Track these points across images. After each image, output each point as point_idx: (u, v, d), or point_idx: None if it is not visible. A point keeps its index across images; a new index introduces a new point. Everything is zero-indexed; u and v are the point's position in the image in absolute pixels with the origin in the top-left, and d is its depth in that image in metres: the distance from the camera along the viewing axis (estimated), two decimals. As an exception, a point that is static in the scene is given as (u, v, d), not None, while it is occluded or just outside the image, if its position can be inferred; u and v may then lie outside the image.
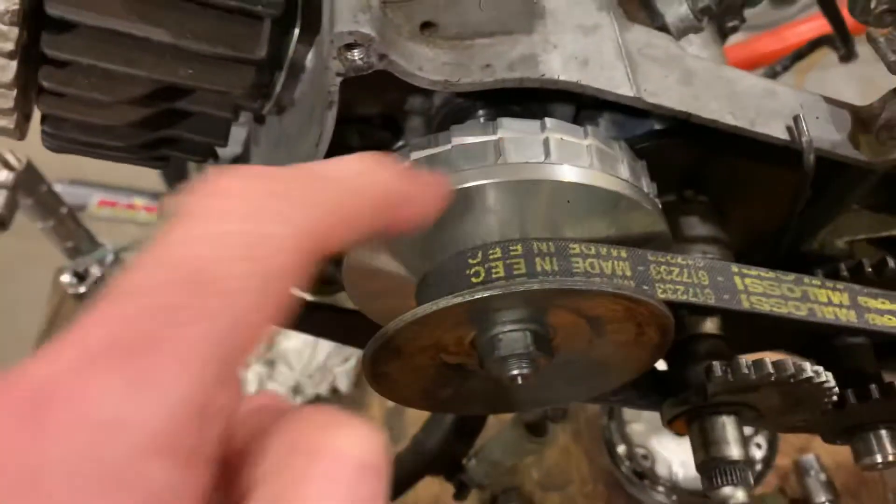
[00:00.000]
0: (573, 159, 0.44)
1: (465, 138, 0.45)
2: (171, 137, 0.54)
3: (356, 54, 0.42)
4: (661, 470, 0.97)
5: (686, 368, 0.53)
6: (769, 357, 0.48)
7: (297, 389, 1.12)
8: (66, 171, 2.12)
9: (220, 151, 1.24)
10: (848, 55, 1.00)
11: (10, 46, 0.42)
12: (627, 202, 0.45)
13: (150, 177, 2.42)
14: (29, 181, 1.06)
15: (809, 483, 1.03)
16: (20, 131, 0.50)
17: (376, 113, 0.56)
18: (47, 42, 0.44)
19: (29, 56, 0.45)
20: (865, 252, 0.65)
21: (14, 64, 0.44)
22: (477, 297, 0.41)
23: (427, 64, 0.44)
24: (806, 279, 0.52)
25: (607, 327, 0.47)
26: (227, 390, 0.22)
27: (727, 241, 0.58)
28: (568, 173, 0.43)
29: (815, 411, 0.53)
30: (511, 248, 0.45)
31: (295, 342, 1.13)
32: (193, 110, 0.52)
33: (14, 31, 0.42)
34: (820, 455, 1.06)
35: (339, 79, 0.43)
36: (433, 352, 0.48)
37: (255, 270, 0.23)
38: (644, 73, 0.48)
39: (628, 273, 0.46)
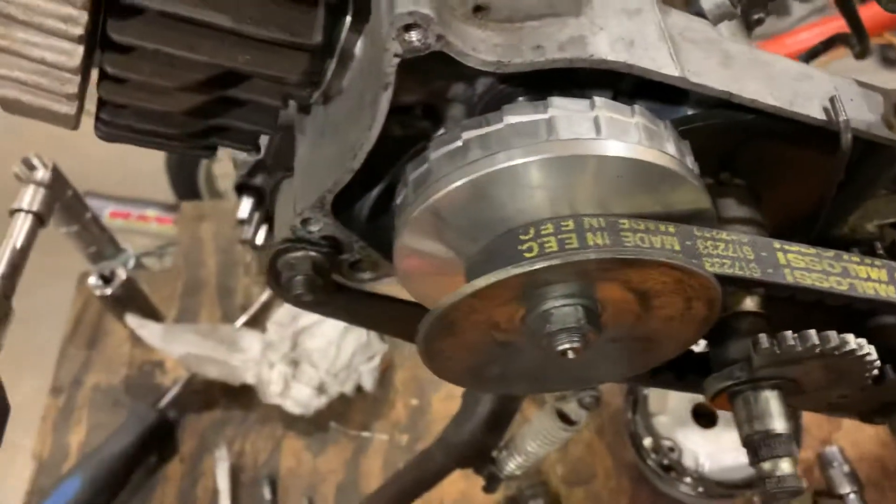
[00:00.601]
0: (623, 136, 0.45)
1: (517, 117, 0.46)
2: (222, 126, 0.56)
3: (414, 35, 0.43)
4: (687, 462, 0.98)
5: (728, 345, 0.54)
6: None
7: (321, 389, 1.13)
8: (78, 183, 2.13)
9: (241, 157, 1.25)
10: (863, 52, 1.01)
11: (79, 31, 0.44)
12: (675, 178, 0.47)
13: (161, 188, 2.45)
14: (56, 185, 1.07)
15: (833, 475, 1.04)
16: (77, 119, 0.52)
17: (418, 102, 0.57)
18: (114, 27, 0.45)
19: (87, 43, 0.46)
20: (893, 237, 0.66)
21: (81, 49, 0.45)
22: (536, 266, 0.42)
23: (480, 45, 0.45)
24: (845, 255, 0.53)
25: (655, 302, 0.48)
26: None
27: (763, 223, 0.59)
28: (619, 149, 0.45)
29: (855, 386, 0.54)
30: (563, 223, 0.46)
31: (319, 341, 1.14)
32: (244, 98, 0.53)
33: (84, 16, 0.43)
34: (843, 447, 1.07)
35: (397, 60, 0.44)
36: (485, 328, 0.49)
37: None
38: (686, 55, 0.49)
39: (677, 247, 0.47)
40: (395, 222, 0.53)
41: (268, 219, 1.31)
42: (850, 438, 1.08)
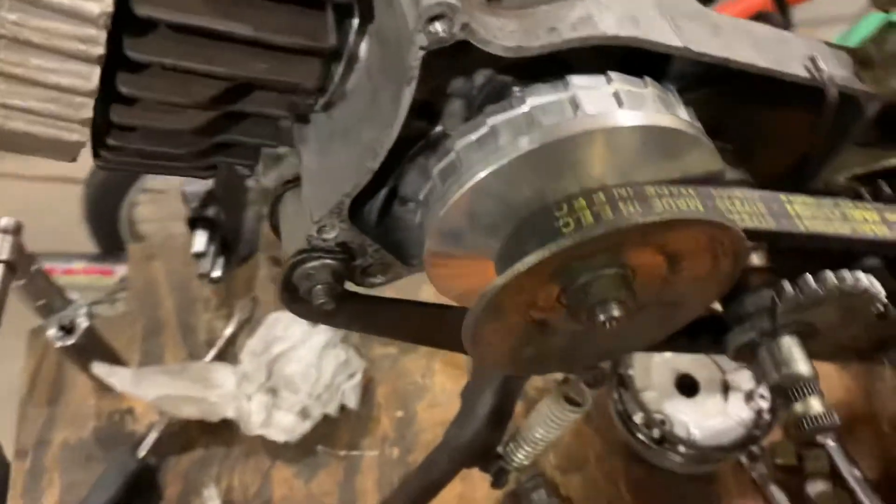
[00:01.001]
0: (642, 106, 0.47)
1: (540, 98, 0.47)
2: (227, 142, 0.55)
3: (439, 26, 0.44)
4: (679, 432, 1.01)
5: (743, 300, 0.57)
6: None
7: (304, 413, 1.11)
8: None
9: (191, 190, 1.23)
10: (786, 25, 1.08)
11: (99, 51, 0.43)
12: (692, 141, 0.49)
13: (83, 241, 2.36)
14: (1, 238, 1.02)
15: (811, 426, 1.09)
16: (81, 148, 0.50)
17: (416, 101, 0.58)
18: (130, 44, 0.44)
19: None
20: (859, 187, 0.71)
21: (98, 70, 0.44)
22: (591, 235, 0.44)
23: (499, 32, 0.47)
24: (840, 202, 0.57)
25: (684, 263, 0.50)
26: None
27: (753, 184, 0.62)
28: (643, 118, 0.47)
29: (863, 323, 0.58)
30: (594, 195, 0.47)
31: (297, 366, 1.12)
32: (250, 111, 0.53)
33: (103, 35, 0.43)
34: (815, 399, 1.13)
35: (422, 53, 0.45)
36: (525, 309, 0.50)
37: None
38: (683, 28, 0.52)
39: (700, 208, 0.49)
40: (420, 216, 0.53)
41: (223, 249, 1.29)
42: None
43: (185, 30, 0.45)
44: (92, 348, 1.12)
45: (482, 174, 0.47)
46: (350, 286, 0.63)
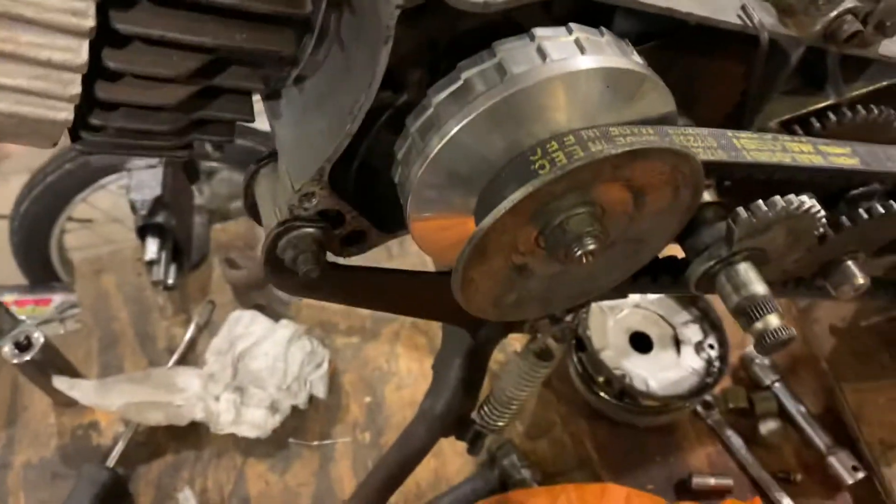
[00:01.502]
0: (602, 51, 0.51)
1: (510, 50, 0.51)
2: (204, 119, 0.57)
3: (414, -16, 0.47)
4: (638, 385, 1.06)
5: (701, 233, 0.62)
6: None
7: (273, 407, 1.11)
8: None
9: (141, 196, 1.22)
10: None
11: (89, 23, 0.44)
12: (648, 82, 0.53)
13: (12, 273, 2.29)
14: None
15: (756, 370, 1.16)
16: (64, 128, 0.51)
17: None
18: (118, 18, 0.46)
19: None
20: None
21: (86, 44, 0.45)
22: (570, 168, 0.47)
23: (467, -10, 0.50)
24: (779, 136, 0.62)
25: (648, 197, 0.54)
26: None
27: (698, 129, 0.67)
28: (606, 61, 0.50)
29: (805, 245, 0.63)
30: (565, 139, 0.51)
31: (263, 361, 1.13)
32: (227, 86, 0.55)
33: (92, 7, 0.44)
34: (758, 346, 1.20)
35: (398, 11, 0.48)
36: (508, 251, 0.53)
37: None
38: (628, -18, 0.56)
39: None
40: (399, 175, 0.56)
41: (176, 255, 1.28)
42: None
43: (168, 2, 0.47)
44: (50, 363, 1.10)
45: (460, 125, 0.50)
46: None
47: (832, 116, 0.67)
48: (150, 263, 1.22)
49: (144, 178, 1.22)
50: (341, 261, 0.66)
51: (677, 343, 1.12)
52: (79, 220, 2.27)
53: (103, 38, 0.47)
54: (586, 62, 0.50)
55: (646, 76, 0.53)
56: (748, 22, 0.61)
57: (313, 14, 0.54)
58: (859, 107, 0.68)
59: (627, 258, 0.61)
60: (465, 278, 0.53)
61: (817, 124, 0.67)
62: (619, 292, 0.72)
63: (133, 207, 1.21)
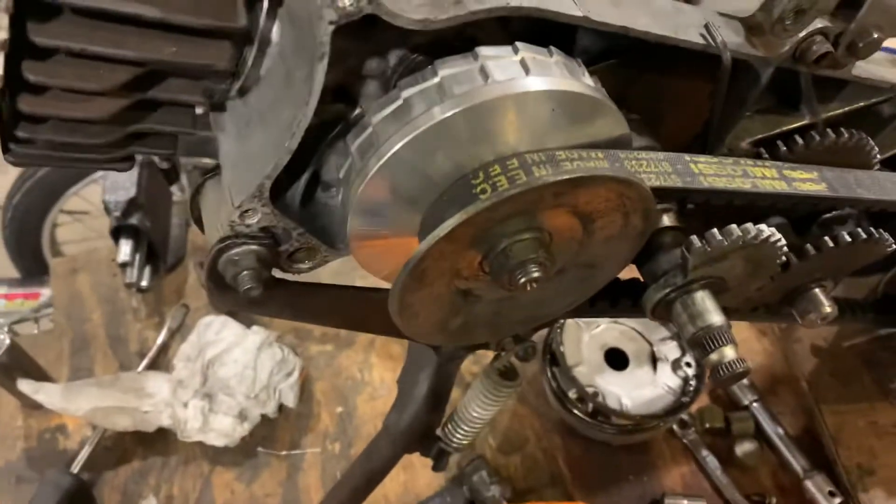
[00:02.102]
0: (548, 72, 0.49)
1: (451, 69, 0.49)
2: (142, 132, 0.55)
3: (346, 0, 0.45)
4: (611, 403, 1.04)
5: (658, 259, 0.60)
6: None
7: (242, 415, 1.10)
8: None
9: (115, 197, 1.21)
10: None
11: (2, 35, 0.42)
12: (598, 105, 0.51)
13: (2, 264, 2.28)
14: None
15: (735, 389, 1.15)
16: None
17: (332, 84, 0.58)
18: (35, 30, 0.44)
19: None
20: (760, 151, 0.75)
21: (1, 56, 0.44)
22: (505, 196, 0.45)
23: (406, 5, 0.48)
24: (741, 160, 0.60)
25: (597, 223, 0.52)
26: None
27: (661, 149, 0.65)
28: (549, 83, 0.48)
29: (768, 274, 0.61)
30: (508, 162, 0.49)
31: (232, 368, 1.11)
32: (164, 99, 0.53)
33: (5, 20, 0.42)
34: (738, 364, 1.18)
35: (332, 28, 0.46)
36: (449, 277, 0.52)
37: None
38: (584, 0, 0.54)
39: (612, 168, 0.52)
40: (342, 195, 0.54)
41: (150, 257, 1.27)
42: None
43: (91, 13, 0.45)
44: (17, 366, 1.09)
45: (398, 145, 0.48)
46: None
47: (799, 140, 0.65)
48: (124, 266, 1.20)
49: (119, 179, 1.20)
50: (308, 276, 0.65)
51: (654, 360, 1.09)
52: (73, 212, 2.26)
53: (23, 49, 0.45)
54: (530, 84, 0.48)
55: (595, 99, 0.51)
56: (710, 41, 0.59)
57: (252, 26, 0.52)
58: (829, 130, 0.66)
59: (580, 283, 0.59)
60: (402, 304, 0.51)
61: (783, 148, 0.65)
62: (576, 316, 0.70)
63: (106, 209, 1.19)
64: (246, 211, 0.56)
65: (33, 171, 2.04)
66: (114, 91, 0.49)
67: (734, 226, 0.55)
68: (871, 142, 0.69)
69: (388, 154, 0.49)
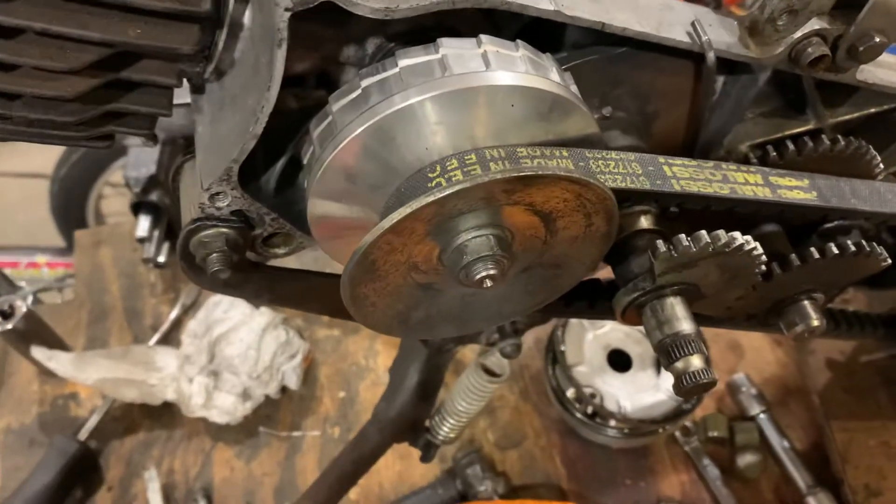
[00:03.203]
0: (510, 67, 0.48)
1: (411, 60, 0.48)
2: (118, 111, 0.56)
3: (302, -12, 0.45)
4: (610, 406, 1.02)
5: (630, 262, 0.58)
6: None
7: (245, 395, 1.12)
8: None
9: (135, 173, 1.23)
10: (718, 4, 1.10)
11: (-37, 14, 0.43)
12: (564, 103, 0.50)
13: (49, 235, 2.36)
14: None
15: (742, 399, 1.12)
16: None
17: (311, 70, 0.59)
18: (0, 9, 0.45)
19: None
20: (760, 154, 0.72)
21: (-34, 35, 0.45)
22: (447, 193, 0.45)
23: (367, -6, 0.47)
24: (723, 164, 0.58)
25: (559, 223, 0.51)
26: None
27: (646, 150, 0.64)
28: (509, 78, 0.48)
29: (747, 283, 0.59)
30: (466, 157, 0.48)
31: (237, 347, 1.13)
32: (139, 80, 0.53)
33: (-33, -1, 0.43)
34: (749, 374, 1.15)
35: (288, 14, 0.46)
36: (405, 270, 0.51)
37: None
38: (559, -7, 0.53)
39: (571, 168, 0.50)
40: (305, 182, 0.54)
41: (168, 234, 1.29)
42: (753, 366, 1.16)
43: (54, -7, 0.46)
44: (33, 333, 1.13)
45: (355, 133, 0.48)
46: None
47: (790, 146, 0.62)
48: (142, 241, 1.23)
49: (141, 156, 1.23)
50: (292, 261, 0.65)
51: (658, 364, 1.07)
52: (118, 185, 2.32)
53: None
54: (489, 78, 0.47)
55: (559, 96, 0.49)
56: (696, 39, 0.57)
57: (221, 10, 0.52)
58: (823, 137, 0.63)
59: (547, 282, 0.58)
60: (354, 295, 0.51)
61: (773, 153, 0.62)
62: (551, 314, 0.69)
63: (127, 184, 1.22)
64: (216, 194, 0.56)
65: (80, 144, 2.09)
66: (82, 70, 0.50)
67: (703, 232, 0.53)
68: (872, 150, 0.66)
69: (344, 142, 0.48)
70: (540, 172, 0.46)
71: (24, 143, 0.59)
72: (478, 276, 0.49)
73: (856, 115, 0.71)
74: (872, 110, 0.71)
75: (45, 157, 2.21)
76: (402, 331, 0.57)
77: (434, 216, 0.47)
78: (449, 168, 0.48)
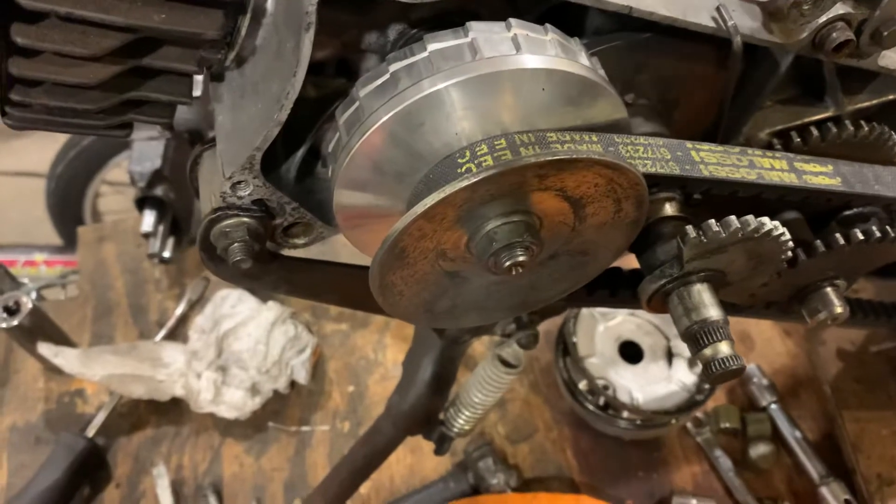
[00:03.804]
0: (541, 51, 0.48)
1: (440, 44, 0.48)
2: (138, 99, 0.55)
3: (332, -30, 0.44)
4: (622, 397, 1.02)
5: (656, 249, 0.58)
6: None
7: (254, 389, 1.11)
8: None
9: (138, 170, 1.22)
10: None
11: (-13, -2, 0.42)
12: (592, 87, 0.49)
13: (46, 233, 2.34)
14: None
15: (753, 389, 1.11)
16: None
17: (332, 57, 0.58)
18: (21, -7, 0.44)
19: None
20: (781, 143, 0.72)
21: (-12, 20, 0.44)
22: (480, 178, 0.44)
23: (395, -22, 0.47)
24: (749, 150, 0.58)
25: (588, 209, 0.51)
26: None
27: (669, 136, 0.63)
28: (540, 61, 0.47)
29: (773, 269, 0.59)
30: (496, 142, 0.48)
31: (246, 342, 1.12)
32: (160, 67, 0.53)
33: (-11, -18, 0.42)
34: (760, 364, 1.14)
35: (317, -2, 0.45)
36: (434, 257, 0.51)
37: None
38: (587, -24, 0.52)
39: (602, 152, 0.50)
40: (330, 170, 0.53)
41: (174, 229, 1.28)
42: (764, 356, 1.16)
43: (78, -23, 0.45)
44: (39, 329, 1.11)
45: (383, 119, 0.47)
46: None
47: (815, 132, 0.62)
48: (147, 236, 1.22)
49: (146, 150, 1.21)
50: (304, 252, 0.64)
51: (670, 355, 1.07)
52: (115, 183, 2.31)
53: (12, 11, 0.45)
54: (520, 61, 0.47)
55: (589, 80, 0.49)
56: (721, 24, 0.56)
57: (245, -5, 0.52)
58: (847, 123, 0.63)
59: (573, 270, 0.58)
60: (383, 283, 0.50)
61: (797, 139, 0.62)
62: (573, 304, 0.68)
63: (132, 179, 1.21)
64: (237, 182, 0.56)
65: (77, 140, 2.08)
66: (104, 57, 0.49)
67: (733, 217, 0.53)
68: (895, 136, 0.65)
69: (373, 128, 0.48)
70: (574, 157, 0.45)
71: (19, 141, 0.58)
72: (507, 263, 0.49)
73: (875, 101, 0.70)
74: (891, 97, 0.71)
75: (40, 155, 2.20)
76: (426, 319, 0.57)
77: (465, 202, 0.46)
78: (479, 153, 0.48)
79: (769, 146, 0.64)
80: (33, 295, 1.23)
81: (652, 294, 0.57)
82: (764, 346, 1.16)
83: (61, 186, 2.30)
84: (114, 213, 2.42)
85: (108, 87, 0.52)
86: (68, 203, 2.32)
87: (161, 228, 1.24)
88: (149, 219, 1.22)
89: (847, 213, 0.68)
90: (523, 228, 0.49)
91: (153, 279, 1.30)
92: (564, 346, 1.06)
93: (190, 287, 1.27)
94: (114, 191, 2.35)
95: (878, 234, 0.61)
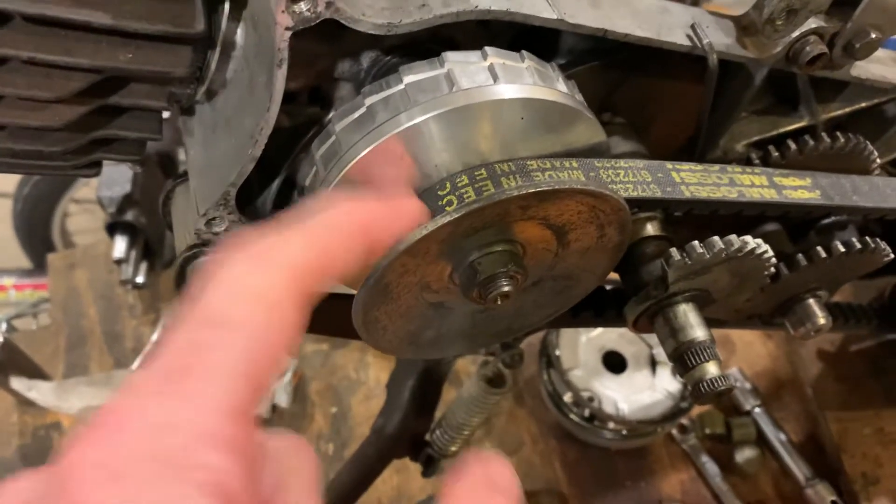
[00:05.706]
0: (518, 79, 0.47)
1: (416, 76, 0.47)
2: (106, 138, 0.53)
3: (303, 6, 0.43)
4: (608, 408, 1.02)
5: (640, 270, 0.57)
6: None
7: (236, 415, 1.09)
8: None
9: (109, 193, 1.19)
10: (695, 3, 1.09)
11: (-55, 46, 0.41)
12: (571, 113, 0.49)
13: (14, 256, 2.30)
14: None
15: (737, 394, 1.12)
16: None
17: (304, 87, 0.57)
18: (-19, 39, 0.42)
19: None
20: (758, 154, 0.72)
21: (-53, 67, 0.42)
22: (464, 212, 0.43)
23: (368, 10, 0.46)
24: (728, 167, 0.58)
25: (571, 236, 0.50)
26: (254, 398, 0.27)
27: (647, 154, 0.63)
28: (518, 91, 0.46)
29: (756, 286, 0.59)
30: (476, 172, 0.47)
31: (225, 367, 1.10)
32: (127, 105, 0.51)
33: (-52, 30, 0.41)
34: (741, 368, 1.15)
35: (289, 34, 0.44)
36: (417, 290, 0.50)
37: (258, 308, 0.29)
38: (560, 1, 0.52)
39: (583, 179, 0.49)
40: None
41: (146, 253, 1.26)
42: (745, 360, 1.17)
43: (41, 21, 0.43)
44: (10, 363, 1.09)
45: (362, 154, 0.46)
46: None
47: (792, 145, 0.62)
48: (119, 262, 1.20)
49: (114, 175, 1.19)
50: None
51: (654, 363, 1.07)
52: (84, 201, 2.27)
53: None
54: (498, 91, 0.46)
55: (567, 107, 0.48)
56: (696, 42, 0.56)
57: (214, 29, 0.50)
58: (824, 135, 0.63)
59: (558, 295, 0.57)
60: (366, 319, 0.49)
61: (776, 153, 0.62)
62: (558, 326, 0.68)
63: (101, 204, 1.18)
64: (212, 219, 0.54)
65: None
66: (70, 98, 0.48)
67: (717, 238, 0.53)
68: (870, 146, 0.66)
69: (350, 164, 0.47)
70: (557, 187, 0.45)
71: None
72: (492, 294, 0.48)
73: (848, 109, 0.71)
74: (863, 104, 0.72)
75: (4, 176, 2.15)
76: (412, 351, 0.56)
77: (449, 235, 0.46)
78: (459, 185, 0.47)
79: (747, 159, 0.63)
80: (3, 326, 1.21)
81: (638, 315, 0.57)
82: (745, 349, 1.17)
83: (28, 208, 2.26)
84: (83, 233, 2.38)
85: (75, 127, 0.50)
86: (36, 224, 2.28)
87: (133, 254, 1.21)
88: (120, 245, 1.20)
89: (825, 222, 0.69)
90: (507, 258, 0.48)
91: (127, 305, 1.27)
92: (548, 358, 1.06)
93: (165, 312, 1.25)
94: (82, 209, 2.31)
95: (858, 245, 0.61)
